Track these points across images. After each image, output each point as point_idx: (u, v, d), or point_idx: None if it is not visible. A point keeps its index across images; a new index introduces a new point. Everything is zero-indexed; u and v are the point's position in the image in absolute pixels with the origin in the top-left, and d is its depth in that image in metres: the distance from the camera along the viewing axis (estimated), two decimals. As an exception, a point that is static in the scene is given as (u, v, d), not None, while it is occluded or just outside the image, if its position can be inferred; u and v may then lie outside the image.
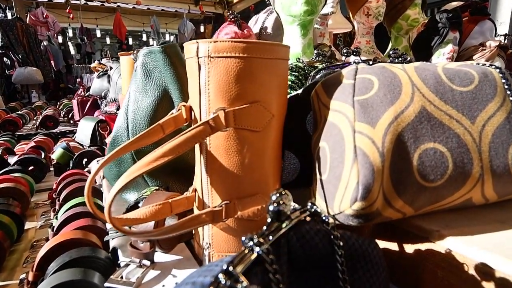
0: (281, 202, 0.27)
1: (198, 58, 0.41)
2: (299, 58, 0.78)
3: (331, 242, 0.31)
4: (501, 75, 0.43)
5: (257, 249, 0.24)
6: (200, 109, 0.42)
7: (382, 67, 0.43)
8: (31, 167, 1.08)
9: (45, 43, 4.76)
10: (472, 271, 0.37)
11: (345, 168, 0.37)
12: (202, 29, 7.18)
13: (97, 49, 6.88)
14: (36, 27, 4.62)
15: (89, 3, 5.73)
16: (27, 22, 4.47)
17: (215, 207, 0.43)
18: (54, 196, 0.85)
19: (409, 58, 0.55)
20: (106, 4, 5.88)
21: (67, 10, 4.79)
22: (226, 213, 0.43)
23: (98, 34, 6.29)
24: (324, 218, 0.32)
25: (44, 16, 4.30)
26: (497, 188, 0.41)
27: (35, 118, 2.32)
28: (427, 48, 1.32)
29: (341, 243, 0.32)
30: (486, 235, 0.39)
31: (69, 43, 6.34)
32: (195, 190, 0.47)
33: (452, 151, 0.38)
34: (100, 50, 7.24)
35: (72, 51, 6.40)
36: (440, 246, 0.40)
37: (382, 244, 0.48)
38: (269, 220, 0.26)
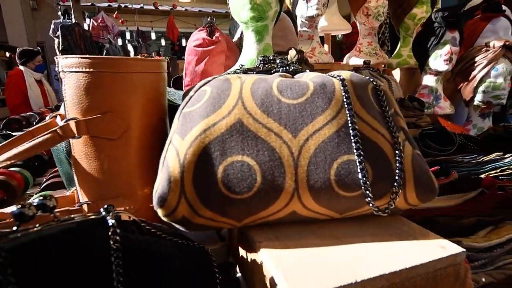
0: (27, 205, 0.31)
1: (59, 72, 0.46)
2: (242, 65, 0.80)
3: (108, 244, 0.34)
4: (342, 87, 0.42)
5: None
6: (66, 118, 0.47)
7: (226, 79, 0.44)
8: (36, 163, 1.22)
9: (107, 45, 5.21)
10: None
11: (157, 178, 0.40)
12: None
13: (153, 50, 7.34)
14: (98, 31, 5.09)
15: (145, 7, 6.14)
16: (91, 27, 4.95)
17: (73, 206, 0.48)
18: (38, 189, 0.97)
19: (289, 69, 0.54)
20: (160, 7, 6.26)
21: (115, 16, 5.20)
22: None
23: (153, 36, 6.72)
24: (107, 220, 0.35)
25: (99, 21, 4.71)
26: (322, 203, 0.40)
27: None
28: (425, 50, 1.24)
29: (120, 246, 0.35)
30: (301, 250, 0.39)
31: (129, 45, 6.86)
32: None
33: (261, 165, 0.38)
34: (156, 52, 7.71)
35: (132, 53, 6.91)
36: (259, 257, 0.41)
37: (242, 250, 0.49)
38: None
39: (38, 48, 4.15)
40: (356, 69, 1.22)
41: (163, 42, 7.63)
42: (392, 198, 0.41)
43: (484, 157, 0.98)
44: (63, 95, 0.46)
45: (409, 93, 1.36)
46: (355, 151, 0.40)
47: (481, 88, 1.21)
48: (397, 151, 0.41)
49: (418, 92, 1.34)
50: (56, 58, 0.46)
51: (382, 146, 0.41)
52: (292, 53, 1.02)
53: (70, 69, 0.45)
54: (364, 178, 0.39)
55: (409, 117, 1.20)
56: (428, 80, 1.32)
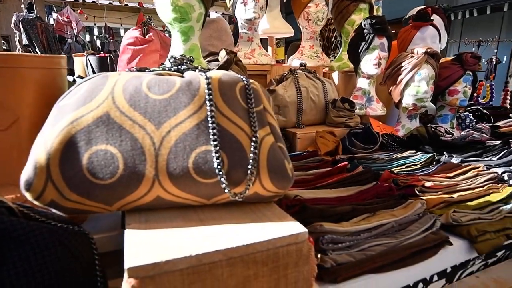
0: None
1: None
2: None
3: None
4: (206, 85, 0.47)
5: None
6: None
7: (105, 76, 0.48)
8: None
9: (69, 41, 5.11)
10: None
11: (26, 164, 0.43)
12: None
13: (123, 47, 7.24)
14: (62, 25, 4.98)
15: (114, 3, 6.06)
16: (56, 21, 4.84)
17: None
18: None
19: (181, 67, 0.58)
20: (130, 4, 6.18)
21: (79, 11, 5.16)
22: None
23: (122, 33, 6.63)
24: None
25: (66, 17, 4.63)
26: (183, 188, 0.45)
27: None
28: (357, 54, 1.31)
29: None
30: (161, 231, 0.44)
31: (98, 41, 6.74)
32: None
33: (123, 153, 0.43)
34: (127, 48, 7.59)
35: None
36: (125, 238, 0.45)
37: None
38: None
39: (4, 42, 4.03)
40: (292, 70, 1.29)
41: (133, 39, 7.54)
42: (247, 185, 0.46)
43: (398, 155, 1.06)
44: (-48, 87, 0.49)
45: (347, 95, 1.44)
46: (212, 142, 0.44)
47: (407, 91, 1.30)
48: (253, 143, 0.46)
49: (353, 94, 1.42)
50: None
51: (240, 138, 0.46)
52: (222, 53, 1.06)
53: (-44, 63, 0.47)
54: (219, 167, 0.44)
55: (340, 117, 1.27)
56: (362, 83, 1.40)
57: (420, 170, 0.93)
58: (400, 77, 1.30)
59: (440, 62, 1.37)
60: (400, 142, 1.22)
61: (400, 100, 1.35)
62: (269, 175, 0.47)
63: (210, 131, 0.45)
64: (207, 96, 0.46)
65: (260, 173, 0.47)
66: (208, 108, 0.46)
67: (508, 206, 0.70)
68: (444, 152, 1.07)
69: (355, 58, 1.34)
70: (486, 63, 4.40)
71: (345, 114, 1.27)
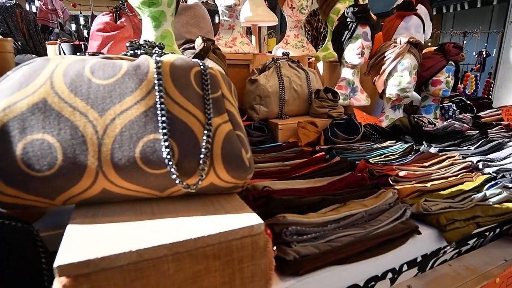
0: None
1: None
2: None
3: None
4: (155, 69, 0.43)
5: None
6: None
7: (46, 59, 0.45)
8: None
9: (57, 30, 4.98)
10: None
11: None
12: (216, 19, 7.21)
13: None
14: (46, 14, 4.84)
15: (100, -10, 5.92)
16: (39, 10, 4.70)
17: None
18: None
19: (138, 52, 0.55)
20: (118, -7, 6.06)
21: None
22: None
23: (111, 22, 6.52)
24: None
25: (44, 4, 4.50)
26: (131, 180, 0.42)
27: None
28: (341, 44, 1.29)
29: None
30: (107, 225, 0.41)
31: (85, 30, 6.61)
32: None
33: (62, 143, 0.39)
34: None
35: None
36: (68, 233, 0.42)
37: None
38: None
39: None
40: (274, 59, 1.26)
41: (122, 29, 7.41)
42: (200, 176, 0.43)
43: (378, 145, 1.05)
44: None
45: (332, 85, 1.42)
46: (161, 130, 0.42)
47: (390, 82, 1.28)
48: (206, 131, 0.44)
49: (337, 84, 1.39)
50: None
51: (192, 126, 0.43)
52: (198, 41, 1.03)
53: None
54: (169, 156, 0.41)
55: (323, 108, 1.25)
56: (346, 73, 1.37)
57: (398, 160, 0.92)
58: (383, 67, 1.28)
59: (423, 52, 1.35)
60: (383, 133, 1.20)
61: (384, 90, 1.32)
62: (224, 165, 0.44)
63: (159, 118, 0.42)
64: (156, 81, 0.43)
65: (214, 163, 0.44)
66: (157, 94, 0.43)
67: (480, 195, 0.68)
68: (424, 142, 1.06)
69: (338, 47, 1.31)
70: (476, 56, 4.41)
71: (328, 104, 1.24)
